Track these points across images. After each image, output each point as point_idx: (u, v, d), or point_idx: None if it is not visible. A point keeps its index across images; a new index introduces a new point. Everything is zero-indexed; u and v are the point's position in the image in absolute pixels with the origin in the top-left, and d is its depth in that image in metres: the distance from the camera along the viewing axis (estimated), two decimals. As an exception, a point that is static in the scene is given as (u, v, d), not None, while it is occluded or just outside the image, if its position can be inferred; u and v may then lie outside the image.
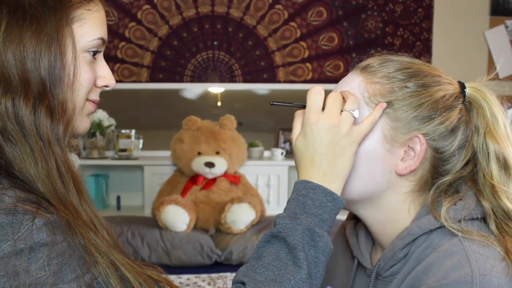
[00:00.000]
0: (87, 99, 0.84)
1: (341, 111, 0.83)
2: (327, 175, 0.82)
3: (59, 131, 0.78)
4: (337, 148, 0.82)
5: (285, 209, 0.83)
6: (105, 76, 0.86)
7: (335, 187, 0.83)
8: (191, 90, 3.63)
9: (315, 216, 0.80)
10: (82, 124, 0.86)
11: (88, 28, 0.81)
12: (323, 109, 0.84)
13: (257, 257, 0.80)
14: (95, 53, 0.84)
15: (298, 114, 0.87)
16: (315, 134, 0.82)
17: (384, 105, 0.84)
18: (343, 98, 0.85)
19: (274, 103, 0.90)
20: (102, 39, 0.84)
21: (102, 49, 0.86)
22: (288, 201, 0.84)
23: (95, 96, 0.86)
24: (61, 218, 0.73)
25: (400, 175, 0.86)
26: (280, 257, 0.78)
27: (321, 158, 0.82)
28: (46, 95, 0.76)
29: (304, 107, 0.86)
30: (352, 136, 0.83)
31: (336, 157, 0.82)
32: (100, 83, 0.86)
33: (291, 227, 0.79)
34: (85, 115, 0.86)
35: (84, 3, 0.81)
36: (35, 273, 0.69)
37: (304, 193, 0.82)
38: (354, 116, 0.83)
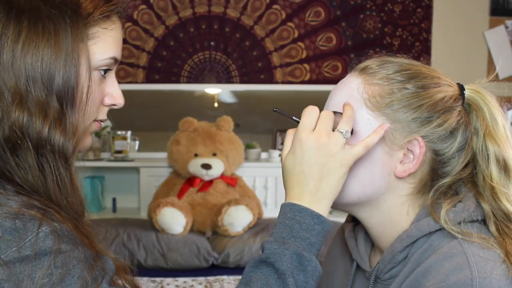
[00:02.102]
0: (94, 120, 0.84)
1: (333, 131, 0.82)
2: (313, 196, 0.82)
3: (69, 151, 0.77)
4: (324, 169, 0.81)
5: (272, 233, 0.82)
6: (113, 95, 0.85)
7: (322, 209, 0.82)
8: (188, 91, 3.61)
9: (303, 240, 0.80)
10: (86, 142, 0.85)
11: (102, 46, 0.80)
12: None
13: (245, 282, 0.80)
14: (106, 71, 0.83)
15: (290, 132, 0.86)
16: (303, 152, 0.81)
17: (386, 126, 0.83)
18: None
19: (276, 110, 0.89)
20: (115, 58, 0.83)
21: (114, 67, 0.85)
22: (276, 225, 0.83)
23: (102, 115, 0.86)
24: (67, 227, 0.73)
25: (399, 178, 0.86)
26: (269, 284, 0.77)
27: (308, 179, 0.81)
28: (63, 116, 0.76)
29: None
30: (342, 158, 0.81)
31: (323, 178, 0.81)
32: (108, 101, 0.85)
33: (279, 252, 0.78)
34: (89, 133, 0.86)
35: (100, 21, 0.80)
36: (38, 280, 0.68)
37: (291, 216, 0.81)
38: (345, 137, 0.82)
